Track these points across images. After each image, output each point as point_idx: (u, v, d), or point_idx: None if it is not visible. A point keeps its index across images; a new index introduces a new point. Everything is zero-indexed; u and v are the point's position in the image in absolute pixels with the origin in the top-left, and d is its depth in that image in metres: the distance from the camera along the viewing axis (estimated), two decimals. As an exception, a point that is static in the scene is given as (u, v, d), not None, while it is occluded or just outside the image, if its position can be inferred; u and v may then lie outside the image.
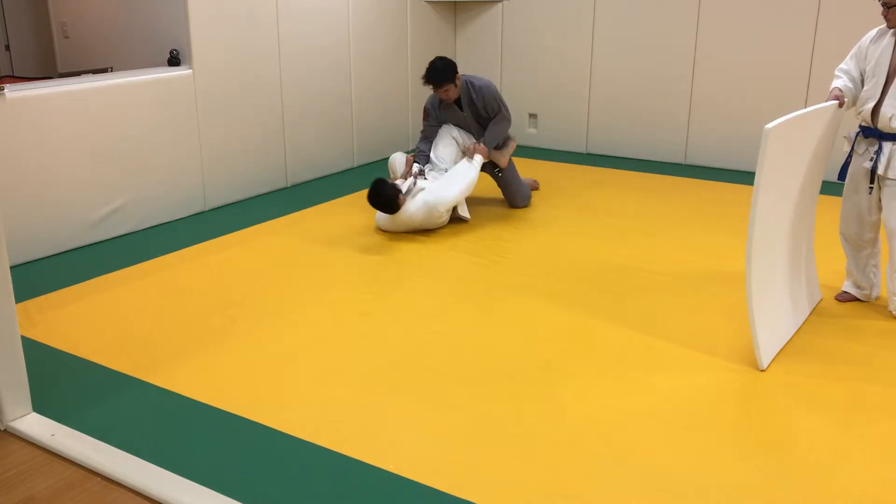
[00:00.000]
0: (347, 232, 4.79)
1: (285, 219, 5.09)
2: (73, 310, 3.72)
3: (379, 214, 4.75)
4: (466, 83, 4.98)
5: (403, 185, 4.75)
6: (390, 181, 4.70)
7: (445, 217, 4.73)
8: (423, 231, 4.74)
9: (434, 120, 5.08)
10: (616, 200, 5.43)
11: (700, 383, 3.01)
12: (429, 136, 5.12)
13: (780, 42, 5.85)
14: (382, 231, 4.77)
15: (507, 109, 5.08)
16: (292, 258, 4.38)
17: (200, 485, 2.43)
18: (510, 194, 5.21)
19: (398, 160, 5.21)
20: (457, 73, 4.89)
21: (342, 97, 6.19)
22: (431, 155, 5.03)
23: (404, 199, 4.65)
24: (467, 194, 4.82)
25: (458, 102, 5.01)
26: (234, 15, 5.16)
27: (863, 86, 3.48)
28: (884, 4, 3.32)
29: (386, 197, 4.58)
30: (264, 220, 5.04)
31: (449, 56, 7.16)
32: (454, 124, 5.08)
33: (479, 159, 4.89)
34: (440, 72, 4.83)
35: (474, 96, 4.97)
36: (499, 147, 5.08)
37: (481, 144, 4.93)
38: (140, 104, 4.73)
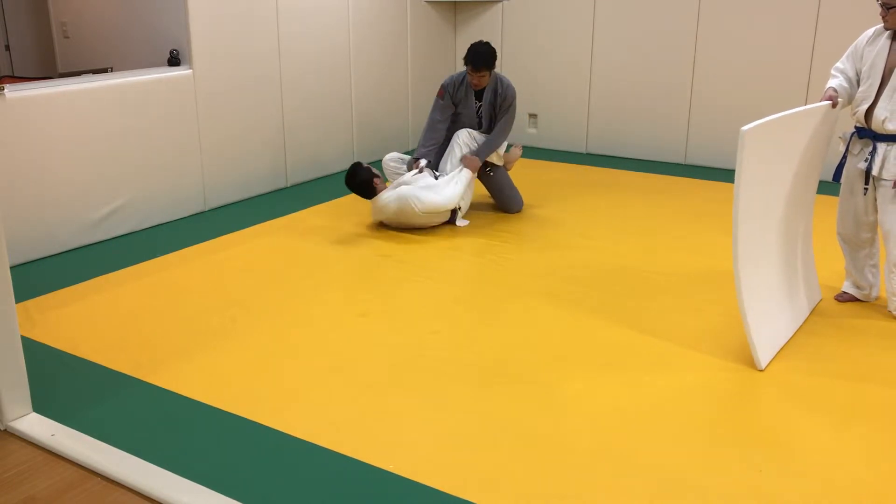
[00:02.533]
0: (347, 232, 4.80)
1: (285, 219, 5.09)
2: (73, 310, 3.72)
3: (375, 210, 4.82)
4: (496, 77, 5.01)
5: (409, 174, 4.83)
6: (366, 165, 4.79)
7: (421, 218, 4.69)
8: (422, 230, 4.74)
9: (448, 99, 5.03)
10: (616, 200, 5.43)
11: (700, 383, 3.02)
12: (438, 120, 5.02)
13: (780, 42, 5.85)
14: (378, 223, 4.84)
15: (512, 121, 5.08)
16: (292, 258, 4.39)
17: (200, 485, 2.43)
18: (504, 200, 5.18)
19: (390, 164, 5.15)
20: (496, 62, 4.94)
21: (342, 97, 6.19)
22: (445, 166, 5.00)
23: (382, 186, 4.74)
24: (446, 208, 4.74)
25: (478, 92, 5.02)
26: (234, 15, 5.16)
27: (858, 86, 3.48)
28: (883, 5, 3.32)
29: (359, 179, 4.70)
30: (264, 220, 5.04)
31: (449, 56, 7.19)
32: (463, 112, 5.05)
33: (466, 175, 4.84)
34: (486, 57, 4.84)
35: (499, 91, 4.99)
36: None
37: (475, 157, 4.89)
38: (140, 104, 4.73)
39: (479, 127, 5.09)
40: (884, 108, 3.35)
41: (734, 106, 6.12)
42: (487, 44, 4.91)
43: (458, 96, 5.04)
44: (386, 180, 5.06)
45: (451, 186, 4.77)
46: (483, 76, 4.89)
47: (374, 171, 4.79)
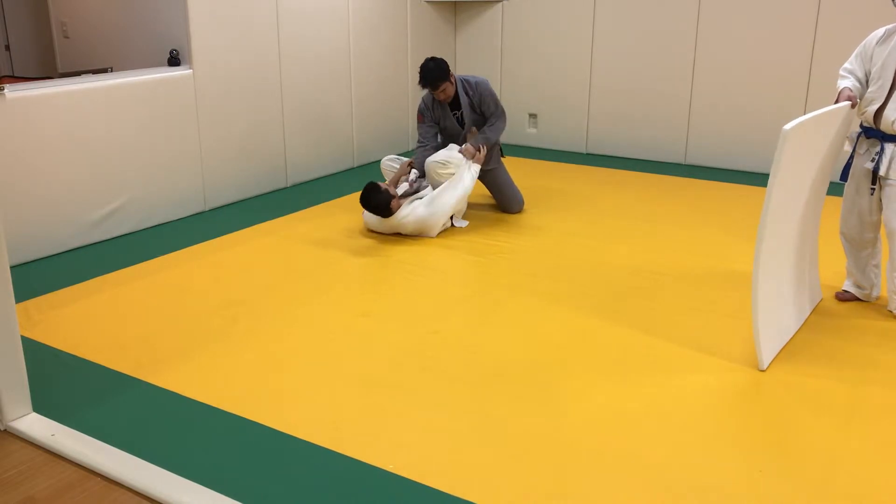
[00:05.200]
0: (347, 232, 4.79)
1: (285, 219, 5.08)
2: (73, 310, 3.72)
3: (367, 215, 4.73)
4: (462, 82, 4.94)
5: (399, 188, 4.74)
6: (383, 186, 4.64)
7: (437, 230, 4.70)
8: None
9: (430, 121, 5.02)
10: (616, 200, 5.43)
11: (700, 383, 3.01)
12: (426, 142, 5.02)
13: (780, 42, 5.85)
14: (372, 231, 4.75)
15: (502, 108, 5.02)
16: (292, 258, 4.38)
17: (200, 485, 2.43)
18: (505, 200, 5.16)
19: (387, 166, 5.14)
20: (450, 70, 4.84)
21: (342, 97, 6.19)
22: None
23: (399, 204, 4.63)
24: (463, 204, 4.76)
25: (451, 103, 4.97)
26: (234, 15, 5.16)
27: (867, 86, 3.47)
28: None
29: (377, 201, 4.56)
30: (264, 220, 5.04)
31: (449, 56, 7.18)
32: (448, 126, 5.03)
33: (476, 168, 4.78)
34: (435, 72, 4.77)
35: (471, 93, 4.92)
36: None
37: (481, 153, 4.81)
38: (140, 104, 4.73)
39: (462, 128, 5.03)
40: (894, 108, 3.33)
41: (734, 106, 6.12)
42: (433, 58, 4.83)
43: (436, 115, 5.01)
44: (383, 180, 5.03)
45: (464, 179, 4.68)
46: (444, 89, 4.83)
47: (392, 191, 4.63)
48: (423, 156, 4.94)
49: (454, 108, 4.98)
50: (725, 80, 6.13)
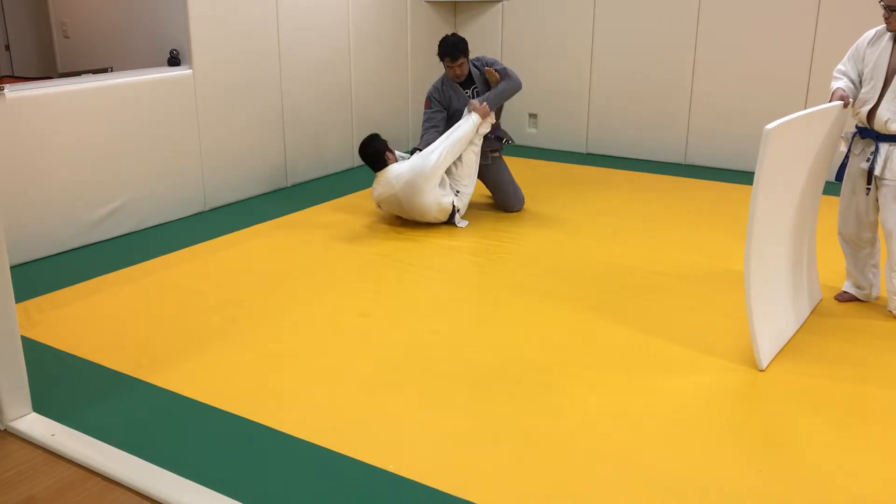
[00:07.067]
0: (348, 232, 4.79)
1: (285, 219, 5.09)
2: (73, 310, 3.72)
3: (375, 190, 4.81)
4: (471, 63, 5.09)
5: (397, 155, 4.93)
6: (383, 139, 4.82)
7: (432, 186, 4.69)
8: (422, 230, 4.74)
9: (437, 105, 5.05)
10: (616, 200, 5.43)
11: (700, 383, 3.02)
12: (431, 124, 5.03)
13: (780, 42, 5.85)
14: (379, 206, 4.90)
15: (511, 70, 5.11)
16: (292, 258, 4.39)
17: (200, 485, 2.43)
18: (506, 198, 5.16)
19: None
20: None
21: (342, 96, 6.19)
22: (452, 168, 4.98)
23: (394, 159, 4.77)
24: (456, 153, 4.80)
25: (463, 83, 5.06)
26: (234, 15, 5.16)
27: (860, 87, 3.48)
28: (886, 7, 3.31)
29: (373, 148, 4.72)
30: (264, 220, 5.04)
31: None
32: (458, 108, 5.03)
33: (475, 118, 4.84)
34: (460, 45, 4.93)
35: (479, 66, 5.08)
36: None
37: (483, 104, 4.89)
38: (140, 104, 4.73)
39: None
40: (887, 109, 3.34)
41: (734, 106, 6.12)
42: (455, 34, 5.02)
43: (446, 99, 5.05)
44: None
45: (458, 127, 4.81)
46: (462, 64, 4.96)
47: (390, 146, 4.84)
48: (432, 136, 4.97)
49: (466, 86, 5.07)
50: (725, 80, 6.12)
